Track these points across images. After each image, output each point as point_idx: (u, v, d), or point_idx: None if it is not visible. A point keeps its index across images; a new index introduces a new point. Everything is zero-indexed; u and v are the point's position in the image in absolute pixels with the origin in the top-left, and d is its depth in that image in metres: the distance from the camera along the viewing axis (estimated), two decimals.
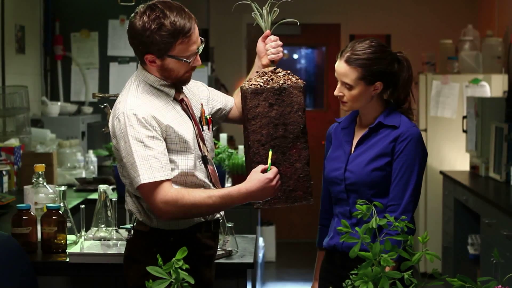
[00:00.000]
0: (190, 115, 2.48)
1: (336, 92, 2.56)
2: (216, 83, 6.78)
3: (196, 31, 2.39)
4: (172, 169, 2.38)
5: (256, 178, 2.36)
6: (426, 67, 6.46)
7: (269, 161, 2.39)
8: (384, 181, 2.51)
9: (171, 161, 2.38)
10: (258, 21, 2.56)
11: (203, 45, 2.44)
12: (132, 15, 2.38)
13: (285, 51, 7.57)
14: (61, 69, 6.04)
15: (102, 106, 3.29)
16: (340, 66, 2.53)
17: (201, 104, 2.56)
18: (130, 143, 2.32)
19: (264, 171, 2.38)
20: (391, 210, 2.47)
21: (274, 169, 2.38)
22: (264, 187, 2.35)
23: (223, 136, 4.70)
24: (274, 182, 2.37)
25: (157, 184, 2.31)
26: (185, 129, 2.42)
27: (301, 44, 8.04)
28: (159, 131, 2.36)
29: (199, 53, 2.43)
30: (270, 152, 2.41)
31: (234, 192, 2.36)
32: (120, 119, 2.35)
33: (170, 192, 2.32)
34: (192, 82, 2.55)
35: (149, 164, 2.31)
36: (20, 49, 5.42)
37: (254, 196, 2.36)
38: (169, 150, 2.38)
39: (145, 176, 2.31)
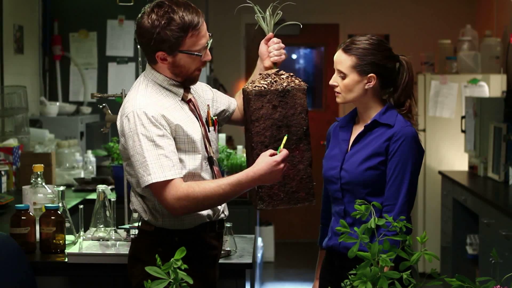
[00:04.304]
0: (198, 115, 2.48)
1: (331, 81, 2.59)
2: (214, 83, 6.78)
3: (204, 25, 2.40)
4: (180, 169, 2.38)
5: (264, 161, 2.34)
6: (424, 67, 6.46)
7: (282, 144, 2.37)
8: (378, 180, 2.51)
9: (179, 160, 2.38)
10: (261, 24, 2.55)
11: (212, 40, 2.45)
12: (139, 15, 2.39)
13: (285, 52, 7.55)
14: (59, 69, 6.04)
15: (100, 106, 3.28)
16: (338, 54, 2.58)
17: (208, 105, 2.56)
18: (141, 142, 2.32)
19: (273, 155, 2.35)
20: (386, 211, 2.46)
21: (283, 152, 2.35)
22: (272, 170, 2.33)
23: (222, 136, 4.69)
24: (282, 165, 2.34)
25: (168, 182, 2.32)
26: (193, 129, 2.43)
27: (300, 44, 8.04)
28: (168, 130, 2.36)
29: (209, 47, 2.44)
30: (285, 138, 2.39)
31: (242, 177, 2.35)
32: (130, 118, 2.35)
33: (181, 187, 2.32)
34: (197, 84, 2.55)
35: (160, 163, 2.31)
36: (19, 49, 5.41)
37: (263, 179, 2.34)
38: (177, 150, 2.38)
39: (156, 175, 2.31)
